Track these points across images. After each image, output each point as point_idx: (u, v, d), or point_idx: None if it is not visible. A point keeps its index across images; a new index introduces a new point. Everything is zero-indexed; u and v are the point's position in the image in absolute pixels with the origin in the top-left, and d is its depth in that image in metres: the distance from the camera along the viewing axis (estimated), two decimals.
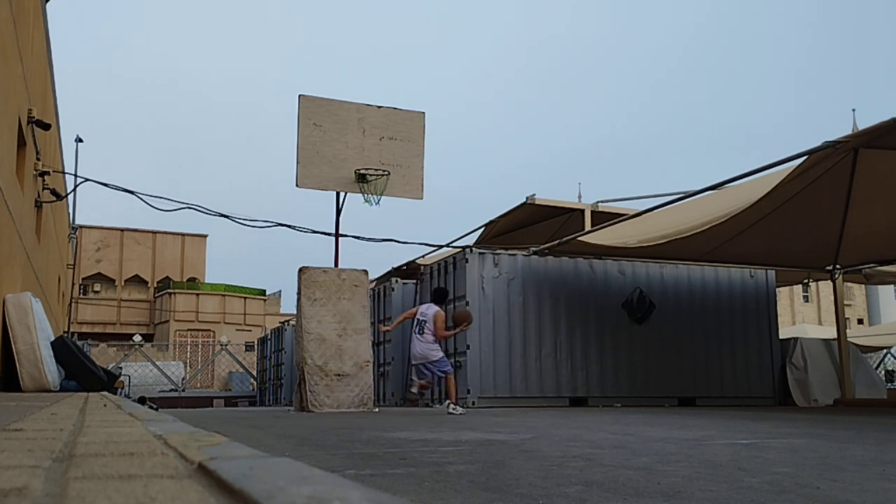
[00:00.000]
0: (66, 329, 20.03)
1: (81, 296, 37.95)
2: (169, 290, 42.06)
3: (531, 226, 15.73)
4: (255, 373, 26.26)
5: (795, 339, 14.98)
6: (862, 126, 9.36)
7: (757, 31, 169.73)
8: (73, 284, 23.32)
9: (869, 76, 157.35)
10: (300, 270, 9.96)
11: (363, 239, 11.86)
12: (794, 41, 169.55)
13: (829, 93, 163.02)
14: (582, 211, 14.85)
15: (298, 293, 9.95)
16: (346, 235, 11.11)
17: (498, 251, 12.39)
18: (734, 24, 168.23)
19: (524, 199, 14.44)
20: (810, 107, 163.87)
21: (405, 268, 15.84)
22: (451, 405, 8.99)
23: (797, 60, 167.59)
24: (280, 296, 48.12)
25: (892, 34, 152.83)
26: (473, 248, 12.32)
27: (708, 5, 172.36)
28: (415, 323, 9.46)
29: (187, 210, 10.97)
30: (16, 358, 7.07)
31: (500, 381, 11.80)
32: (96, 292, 42.49)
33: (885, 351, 24.97)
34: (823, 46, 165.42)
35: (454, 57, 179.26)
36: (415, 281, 14.23)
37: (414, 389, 9.56)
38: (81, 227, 35.59)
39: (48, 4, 9.51)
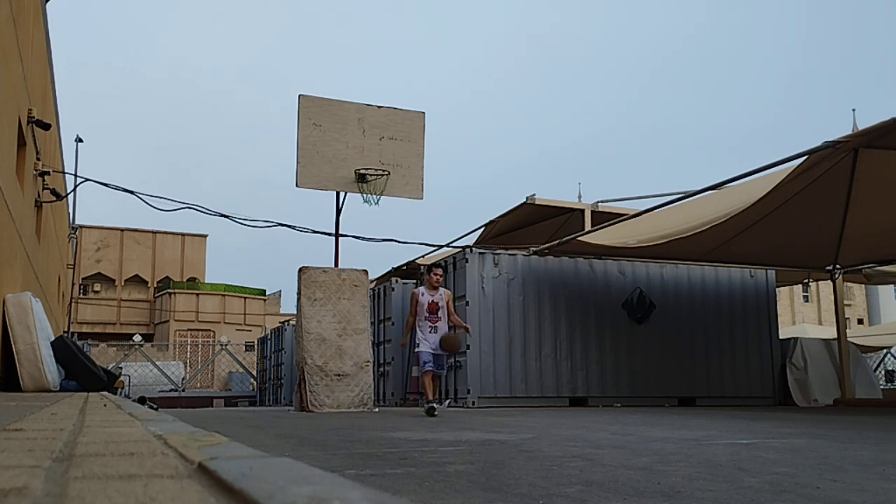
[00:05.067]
0: (66, 329, 20.03)
1: (81, 296, 37.95)
2: (169, 290, 42.06)
3: (531, 226, 15.73)
4: (255, 373, 26.26)
5: (795, 339, 14.96)
6: (862, 126, 9.36)
7: (757, 30, 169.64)
8: (73, 284, 23.31)
9: (868, 76, 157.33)
10: (300, 270, 9.96)
11: (363, 239, 11.87)
12: (794, 40, 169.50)
13: (829, 93, 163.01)
14: (582, 211, 14.85)
15: (298, 293, 9.95)
16: (346, 235, 11.11)
17: (498, 251, 12.39)
18: (734, 21, 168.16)
19: (524, 199, 14.44)
20: (810, 107, 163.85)
21: (405, 268, 15.85)
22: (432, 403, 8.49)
23: (797, 60, 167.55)
24: (280, 296, 48.17)
25: (892, 34, 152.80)
26: (473, 248, 12.31)
27: (708, 3, 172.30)
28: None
29: (187, 210, 10.98)
30: (16, 358, 7.07)
31: (500, 381, 11.79)
32: (96, 292, 42.49)
33: (885, 351, 24.96)
34: (823, 46, 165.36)
35: (453, 57, 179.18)
36: (415, 281, 14.22)
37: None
38: (81, 227, 35.60)
39: (48, 4, 9.51)
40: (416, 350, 8.80)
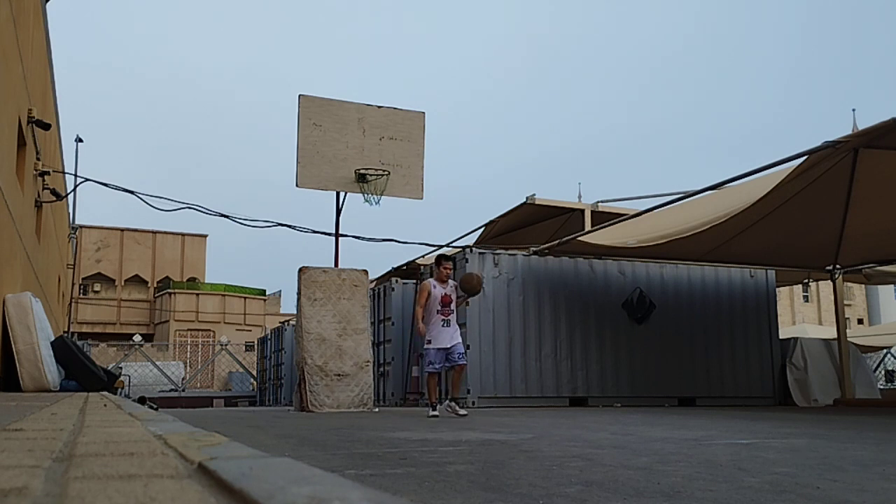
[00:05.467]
0: (66, 329, 20.03)
1: (81, 296, 37.94)
2: (169, 290, 42.06)
3: (531, 226, 15.73)
4: (255, 373, 26.26)
5: (795, 339, 14.96)
6: (862, 126, 9.36)
7: (758, 30, 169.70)
8: (73, 284, 23.31)
9: (868, 76, 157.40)
10: (300, 270, 9.96)
11: (363, 239, 11.86)
12: (794, 40, 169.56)
13: (829, 93, 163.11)
14: (582, 211, 14.85)
15: (298, 293, 9.95)
16: (346, 235, 11.11)
17: (498, 251, 12.38)
18: (734, 21, 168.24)
19: (524, 199, 14.44)
20: (810, 107, 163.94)
21: (405, 268, 15.84)
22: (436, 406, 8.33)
23: (797, 60, 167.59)
24: (280, 296, 48.15)
25: (892, 34, 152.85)
26: (473, 248, 12.31)
27: (708, 3, 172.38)
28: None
29: (187, 210, 10.98)
30: (16, 358, 7.07)
31: (500, 381, 11.79)
32: (96, 292, 42.49)
33: (885, 351, 24.96)
34: (823, 46, 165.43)
35: (453, 57, 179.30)
36: (415, 281, 14.22)
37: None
38: (81, 227, 35.59)
39: (48, 4, 9.51)
40: (425, 347, 8.57)
